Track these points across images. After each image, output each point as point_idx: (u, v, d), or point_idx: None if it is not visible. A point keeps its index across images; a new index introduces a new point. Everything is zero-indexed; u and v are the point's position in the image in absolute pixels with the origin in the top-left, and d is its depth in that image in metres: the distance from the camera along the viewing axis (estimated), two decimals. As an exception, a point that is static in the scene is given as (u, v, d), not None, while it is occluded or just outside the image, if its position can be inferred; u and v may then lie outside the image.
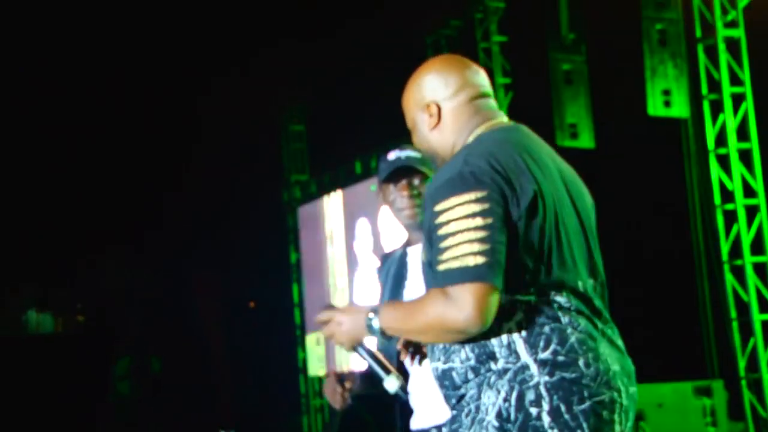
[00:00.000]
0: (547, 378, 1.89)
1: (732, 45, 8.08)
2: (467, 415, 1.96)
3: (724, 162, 8.03)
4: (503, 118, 2.11)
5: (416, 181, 2.83)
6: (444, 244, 1.89)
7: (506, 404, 1.89)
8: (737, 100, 8.04)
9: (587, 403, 1.88)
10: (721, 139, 8.04)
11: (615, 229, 10.96)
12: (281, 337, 13.22)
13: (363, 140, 12.38)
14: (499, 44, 10.35)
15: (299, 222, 13.15)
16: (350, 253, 12.39)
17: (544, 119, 8.68)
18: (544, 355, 1.91)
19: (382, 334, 2.03)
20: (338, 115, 12.96)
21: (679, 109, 7.95)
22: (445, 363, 2.01)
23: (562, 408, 1.87)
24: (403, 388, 2.14)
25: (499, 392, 1.91)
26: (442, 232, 1.90)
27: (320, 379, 12.85)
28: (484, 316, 1.86)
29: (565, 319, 1.94)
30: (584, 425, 1.87)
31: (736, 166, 7.96)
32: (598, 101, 8.87)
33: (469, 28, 10.76)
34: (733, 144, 7.95)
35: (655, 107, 7.90)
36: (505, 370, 1.92)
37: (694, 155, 8.46)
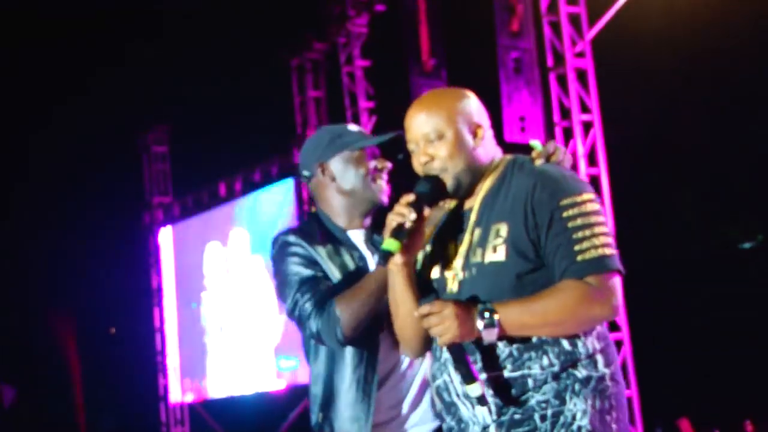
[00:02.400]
0: (615, 390, 2.06)
1: (581, 74, 8.43)
2: (543, 420, 1.99)
3: (575, 186, 8.32)
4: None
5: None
6: (578, 235, 2.00)
7: (594, 410, 2.00)
8: (586, 127, 8.39)
9: (626, 411, 2.11)
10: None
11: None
12: (142, 363, 12.85)
13: (227, 162, 12.25)
14: (362, 68, 10.48)
15: (173, 243, 12.87)
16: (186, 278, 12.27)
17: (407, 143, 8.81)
18: (612, 369, 2.06)
19: (500, 330, 1.97)
20: (202, 136, 12.79)
21: (534, 134, 8.22)
22: (515, 371, 2.01)
23: (621, 417, 2.06)
24: (483, 397, 2.02)
25: (587, 400, 2.00)
26: (573, 224, 2.00)
27: (182, 407, 12.57)
28: (620, 304, 2.02)
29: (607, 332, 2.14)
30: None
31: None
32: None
33: (333, 51, 10.84)
34: (583, 170, 8.29)
35: (511, 132, 8.13)
36: (588, 379, 2.02)
37: (548, 180, 8.74)
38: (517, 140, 8.24)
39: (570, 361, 2.00)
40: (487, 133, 2.22)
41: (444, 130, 2.16)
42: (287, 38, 11.18)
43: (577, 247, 1.97)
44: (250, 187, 12.01)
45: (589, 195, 2.05)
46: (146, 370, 12.85)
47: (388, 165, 2.70)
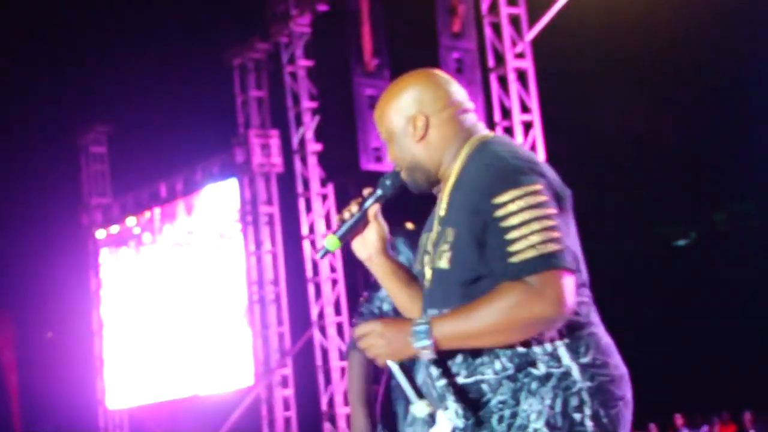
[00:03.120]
0: (589, 383, 1.90)
1: (521, 75, 8.56)
2: (500, 421, 1.91)
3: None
4: (486, 131, 2.07)
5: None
6: (512, 235, 1.84)
7: (552, 411, 1.88)
8: (527, 126, 8.52)
9: (618, 406, 1.92)
10: (513, 164, 8.46)
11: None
12: (80, 368, 12.64)
13: (168, 162, 12.12)
14: (305, 68, 10.48)
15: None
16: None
17: (349, 142, 8.83)
18: (585, 360, 1.91)
19: (435, 346, 1.88)
20: (143, 136, 12.63)
21: (476, 134, 8.32)
22: (469, 377, 1.94)
23: (601, 412, 1.89)
24: (432, 415, 1.99)
25: (543, 399, 1.88)
26: (507, 223, 1.85)
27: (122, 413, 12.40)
28: (570, 302, 1.84)
29: (594, 323, 1.95)
30: (618, 427, 1.91)
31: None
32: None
33: (276, 51, 10.82)
34: (525, 168, 8.41)
35: (453, 132, 8.21)
36: (548, 376, 1.90)
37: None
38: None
39: (525, 363, 1.89)
40: (435, 119, 2.03)
41: (387, 130, 2.09)
42: (229, 37, 11.12)
43: (511, 248, 1.83)
44: (192, 186, 11.92)
45: (529, 187, 1.85)
46: (84, 375, 12.64)
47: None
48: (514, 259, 1.82)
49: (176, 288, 12.14)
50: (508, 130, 8.54)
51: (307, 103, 10.42)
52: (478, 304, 1.85)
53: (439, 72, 2.11)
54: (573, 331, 1.90)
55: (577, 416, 1.87)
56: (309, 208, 10.45)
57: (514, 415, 1.89)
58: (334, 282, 10.40)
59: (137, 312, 12.52)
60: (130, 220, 12.53)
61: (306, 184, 10.48)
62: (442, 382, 1.96)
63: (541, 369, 1.89)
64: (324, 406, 10.21)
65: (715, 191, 12.60)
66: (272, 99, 11.08)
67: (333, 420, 10.16)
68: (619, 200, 12.21)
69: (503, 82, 8.57)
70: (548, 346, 1.90)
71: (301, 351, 10.66)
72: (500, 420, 1.90)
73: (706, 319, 11.38)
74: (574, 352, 1.90)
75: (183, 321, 12.02)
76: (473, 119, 2.06)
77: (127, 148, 12.72)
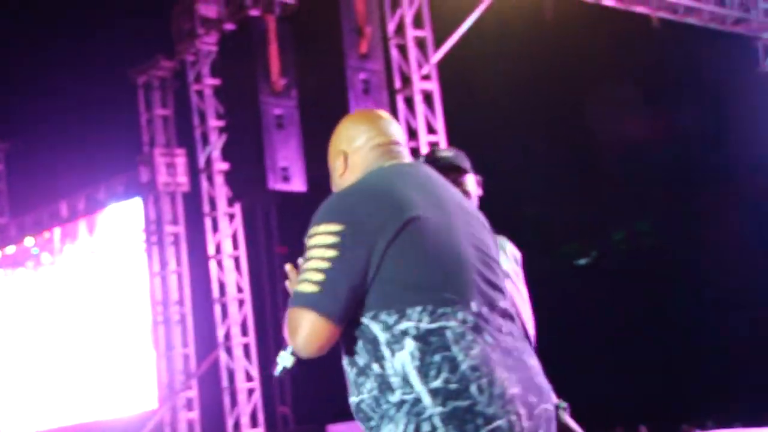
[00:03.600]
0: (440, 408, 1.88)
1: (427, 96, 8.69)
2: None
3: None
4: (400, 161, 2.16)
5: (449, 178, 2.83)
6: (302, 266, 1.99)
7: None
8: (432, 148, 8.64)
9: (483, 431, 1.88)
10: (420, 184, 8.58)
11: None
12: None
13: (70, 180, 11.84)
14: (211, 87, 10.40)
15: None
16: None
17: (256, 162, 8.79)
18: (436, 384, 1.90)
19: None
20: (43, 154, 12.31)
21: (383, 154, 8.39)
22: (357, 396, 2.01)
23: None
24: (287, 370, 2.07)
25: (398, 425, 1.91)
26: (306, 254, 1.99)
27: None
28: (311, 344, 1.93)
29: (456, 347, 1.92)
30: None
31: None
32: (310, 145, 9.11)
33: (182, 69, 10.71)
34: (431, 188, 8.53)
35: (361, 153, 8.25)
36: (402, 402, 1.92)
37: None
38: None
39: (384, 384, 1.94)
40: (352, 156, 2.17)
41: (330, 166, 2.24)
42: (134, 55, 10.97)
43: (298, 276, 2.01)
44: (95, 205, 11.67)
45: (327, 226, 1.97)
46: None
47: None
48: (293, 287, 2.01)
49: (77, 309, 11.83)
50: (415, 152, 8.65)
51: (213, 122, 10.34)
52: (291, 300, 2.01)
53: (372, 111, 2.27)
54: (424, 355, 1.91)
55: None
56: (216, 228, 10.35)
57: None
58: (241, 302, 10.31)
59: (34, 334, 12.15)
60: (29, 240, 12.17)
61: (213, 203, 10.37)
62: (350, 402, 2.04)
63: (396, 395, 1.92)
64: (230, 429, 10.08)
65: (615, 210, 13.00)
66: (178, 117, 10.96)
67: (239, 442, 10.04)
68: (521, 220, 12.48)
69: (410, 103, 8.69)
70: (399, 368, 1.93)
71: (206, 373, 10.51)
72: None
73: (609, 335, 11.71)
74: (425, 376, 1.91)
75: (84, 343, 11.72)
76: (396, 151, 2.16)
77: (25, 166, 12.38)
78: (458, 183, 2.78)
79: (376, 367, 1.95)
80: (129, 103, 11.08)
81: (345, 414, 1.96)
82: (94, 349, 11.63)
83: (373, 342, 1.97)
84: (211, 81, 10.37)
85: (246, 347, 10.25)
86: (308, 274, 1.95)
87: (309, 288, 1.93)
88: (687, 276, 11.98)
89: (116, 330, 11.46)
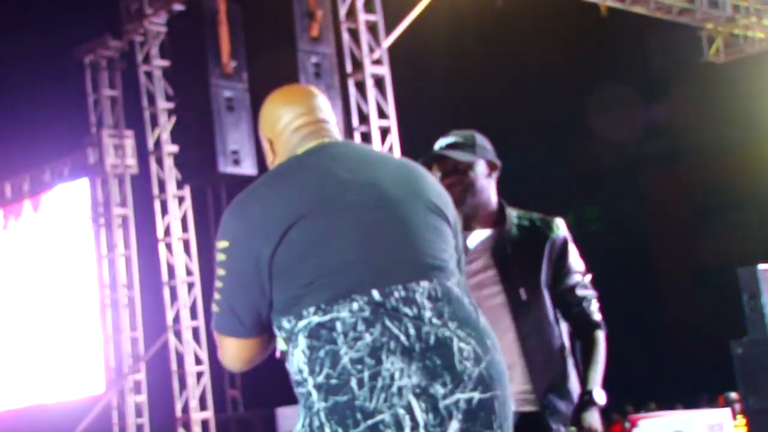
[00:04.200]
0: (323, 404, 1.86)
1: (378, 81, 8.72)
2: None
3: (373, 189, 8.59)
4: (320, 141, 2.05)
5: (449, 168, 2.68)
6: None
7: (303, 430, 1.89)
8: (384, 132, 8.68)
9: (362, 426, 1.81)
10: (371, 168, 8.61)
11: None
12: None
13: (14, 161, 11.65)
14: (160, 68, 10.30)
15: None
16: None
17: (206, 145, 8.74)
18: (319, 379, 1.87)
19: None
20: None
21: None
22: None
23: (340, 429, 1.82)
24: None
25: (300, 419, 1.92)
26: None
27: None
28: (233, 362, 2.00)
29: (340, 339, 1.85)
30: None
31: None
32: (260, 129, 9.06)
33: (130, 50, 10.58)
34: (381, 172, 8.56)
35: (311, 136, 8.24)
36: (301, 396, 1.93)
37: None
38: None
39: (294, 381, 1.95)
40: (277, 142, 2.09)
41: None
42: (81, 34, 10.80)
43: None
44: (40, 186, 11.50)
45: (219, 243, 1.95)
46: None
47: (437, 174, 2.66)
48: None
49: (23, 292, 11.66)
50: (366, 136, 8.68)
51: (162, 104, 10.25)
52: None
53: (288, 90, 2.15)
54: (312, 350, 1.88)
55: None
56: (165, 211, 10.28)
57: None
58: (191, 285, 10.27)
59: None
60: (-28, 222, 11.96)
61: (162, 186, 10.30)
62: None
63: (299, 389, 1.93)
64: (178, 412, 10.06)
65: (561, 196, 13.20)
66: (126, 99, 10.84)
67: (187, 426, 10.02)
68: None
69: (361, 87, 8.71)
70: (296, 365, 1.92)
71: (155, 356, 10.46)
72: None
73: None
74: (312, 372, 1.88)
75: (30, 326, 11.57)
76: (308, 134, 2.06)
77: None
78: (447, 174, 2.65)
79: (288, 364, 1.97)
80: (76, 83, 10.92)
81: (294, 397, 1.97)
82: (41, 333, 11.48)
83: (288, 343, 1.98)
84: (160, 62, 10.27)
85: (195, 330, 10.22)
86: (214, 295, 1.99)
87: (215, 309, 1.98)
88: (632, 259, 12.22)
89: (63, 313, 11.33)
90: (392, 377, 1.82)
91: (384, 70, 8.75)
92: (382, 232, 1.93)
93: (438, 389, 1.83)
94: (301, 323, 1.90)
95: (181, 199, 10.31)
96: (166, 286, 10.21)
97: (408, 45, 9.17)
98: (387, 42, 8.83)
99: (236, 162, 8.76)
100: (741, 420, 7.47)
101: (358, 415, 1.82)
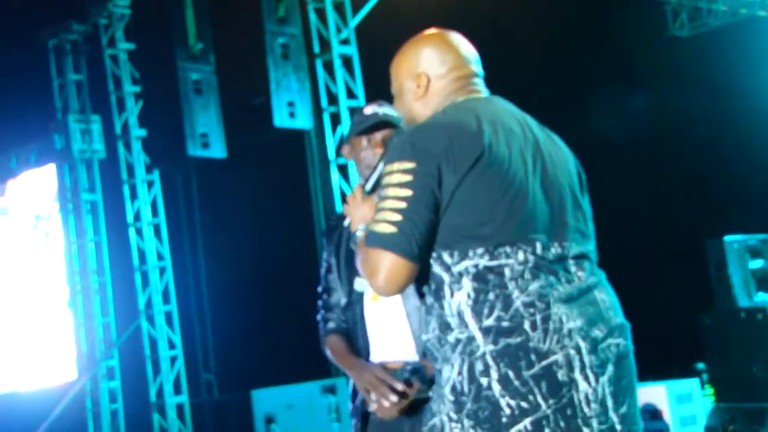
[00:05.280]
0: (491, 347, 1.86)
1: (346, 61, 8.69)
2: (431, 386, 2.01)
3: (344, 171, 8.62)
4: (482, 94, 2.13)
5: (378, 139, 2.69)
6: (378, 206, 1.96)
7: (459, 377, 1.88)
8: (353, 112, 8.67)
9: (536, 367, 1.84)
10: (340, 149, 8.62)
11: (244, 233, 11.26)
12: None
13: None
14: (126, 51, 10.19)
15: None
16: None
17: (175, 128, 8.68)
18: (488, 322, 1.88)
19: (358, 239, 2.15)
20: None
21: (303, 120, 8.37)
22: (425, 334, 2.02)
23: (511, 375, 1.84)
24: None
25: (453, 366, 1.90)
26: (381, 194, 1.97)
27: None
28: (391, 284, 1.92)
29: (512, 284, 1.90)
30: (535, 390, 1.84)
31: (355, 175, 8.58)
32: (228, 111, 9.03)
33: (95, 33, 10.45)
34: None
35: (281, 118, 8.23)
36: (457, 342, 1.91)
37: (317, 164, 8.97)
38: (287, 126, 8.38)
39: (444, 324, 1.94)
40: (436, 81, 2.11)
41: (398, 84, 2.18)
42: (44, 18, 10.65)
43: (375, 216, 1.98)
44: (6, 173, 11.37)
45: (401, 164, 1.93)
46: None
47: (379, 152, 2.64)
48: (368, 227, 1.98)
49: (10, 274, 11.55)
50: (335, 116, 8.67)
51: (129, 88, 10.15)
52: (365, 241, 2.00)
53: (453, 35, 2.18)
54: (478, 294, 1.91)
55: (483, 381, 1.86)
56: (134, 195, 10.21)
57: (438, 382, 1.97)
58: (162, 270, 10.23)
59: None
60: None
61: (130, 170, 10.23)
62: (422, 339, 2.13)
63: (453, 335, 1.92)
64: (152, 397, 10.05)
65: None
66: (92, 83, 10.72)
67: (162, 411, 10.02)
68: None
69: (329, 67, 8.69)
70: (455, 308, 1.93)
71: (128, 341, 10.42)
72: (430, 383, 2.06)
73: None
74: (478, 315, 1.90)
75: (0, 313, 11.47)
76: (469, 84, 2.13)
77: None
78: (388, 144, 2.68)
79: (437, 306, 1.96)
80: (40, 68, 10.78)
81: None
82: (12, 321, 11.40)
83: (438, 282, 1.97)
84: (125, 45, 10.16)
85: (168, 315, 10.19)
86: (385, 214, 1.92)
87: (387, 229, 1.91)
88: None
89: (34, 301, 11.25)
90: (561, 320, 1.88)
91: (352, 50, 8.73)
92: (551, 188, 2.02)
93: (597, 333, 1.92)
94: (467, 263, 1.93)
95: (150, 184, 10.25)
96: (138, 271, 10.16)
97: (375, 24, 9.14)
98: (354, 21, 8.80)
99: (205, 145, 8.70)
100: (709, 389, 7.61)
101: (533, 357, 1.85)
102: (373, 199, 2.18)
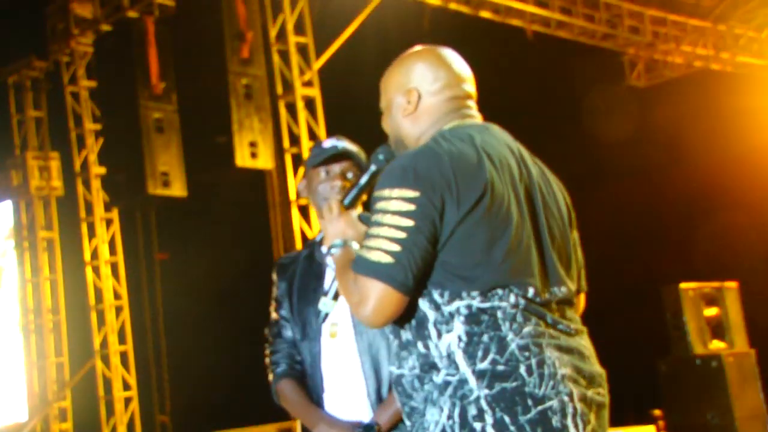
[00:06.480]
0: (486, 391, 1.80)
1: (309, 103, 8.75)
2: (413, 427, 1.91)
3: (305, 212, 8.62)
4: (477, 120, 2.05)
5: (350, 174, 2.66)
6: (371, 231, 1.86)
7: (450, 422, 1.81)
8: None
9: (533, 412, 1.79)
10: (302, 190, 8.62)
11: (203, 273, 11.17)
12: None
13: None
14: (87, 89, 10.16)
15: None
16: None
17: (136, 167, 8.64)
18: (483, 365, 1.81)
19: (332, 257, 2.04)
20: None
21: (265, 160, 8.38)
22: (398, 368, 1.94)
23: (507, 420, 1.78)
24: (327, 315, 2.16)
25: (442, 410, 1.83)
26: (374, 219, 1.87)
27: None
28: (380, 315, 1.83)
29: (506, 326, 1.83)
30: None
31: (315, 217, 8.58)
32: (190, 150, 9.01)
33: (56, 70, 10.41)
34: (313, 194, 8.57)
35: (242, 158, 8.22)
36: (446, 384, 1.83)
37: (278, 205, 8.96)
38: (248, 166, 8.37)
39: (427, 364, 1.87)
40: (427, 98, 2.02)
41: (387, 99, 2.10)
42: (5, 55, 10.58)
43: (365, 242, 1.88)
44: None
45: (402, 191, 1.84)
46: None
47: (337, 184, 2.64)
48: (358, 253, 1.88)
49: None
50: (297, 157, 8.69)
51: (89, 125, 10.10)
52: (348, 269, 1.91)
53: (448, 52, 2.09)
54: (471, 336, 1.84)
55: (477, 425, 1.79)
56: (92, 233, 10.11)
57: (421, 425, 1.89)
58: (119, 309, 10.10)
59: None
60: None
61: (89, 208, 10.13)
62: (390, 370, 2.05)
63: (441, 376, 1.85)
64: (106, 439, 9.86)
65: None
66: (52, 120, 10.65)
67: (115, 452, 9.83)
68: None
69: (292, 109, 8.73)
70: (444, 349, 1.85)
71: (81, 382, 10.24)
72: (413, 426, 1.92)
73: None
74: (471, 357, 1.83)
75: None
76: (469, 106, 2.05)
77: None
78: (347, 178, 2.68)
79: (420, 345, 1.88)
80: (0, 104, 10.70)
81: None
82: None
83: (421, 319, 1.89)
84: (86, 83, 10.13)
85: (123, 355, 10.04)
86: (380, 242, 1.82)
87: (383, 258, 1.82)
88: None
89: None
90: (554, 365, 1.83)
91: (315, 92, 8.79)
92: (545, 228, 1.96)
93: (582, 381, 1.88)
94: (458, 304, 1.85)
95: (109, 222, 10.15)
96: (93, 310, 10.02)
97: (339, 67, 9.23)
98: (317, 64, 8.87)
99: (166, 184, 8.67)
100: (665, 436, 7.65)
101: (529, 402, 1.80)
102: (350, 214, 2.09)
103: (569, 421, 1.81)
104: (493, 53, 10.99)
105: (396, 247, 1.82)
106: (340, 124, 9.68)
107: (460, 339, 1.85)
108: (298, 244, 8.55)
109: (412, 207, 1.83)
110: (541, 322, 1.89)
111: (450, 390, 1.84)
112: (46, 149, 10.65)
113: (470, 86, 2.09)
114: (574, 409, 1.83)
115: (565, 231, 2.03)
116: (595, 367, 1.95)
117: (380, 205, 1.87)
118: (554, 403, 1.81)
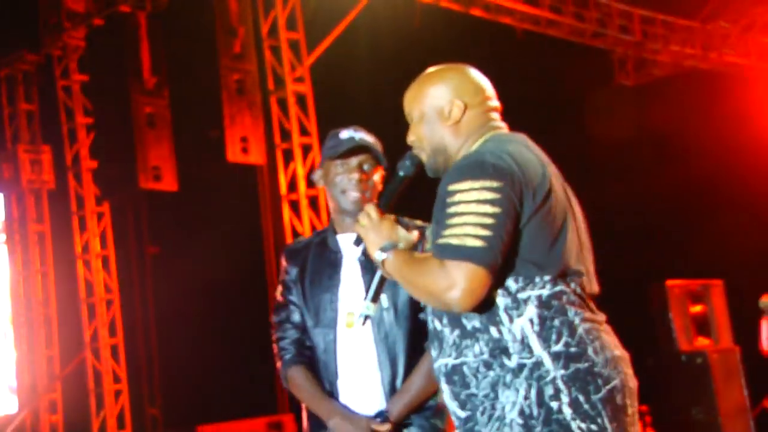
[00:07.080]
0: (562, 371, 1.94)
1: (300, 98, 8.79)
2: (483, 413, 1.99)
3: (295, 207, 8.67)
4: (499, 131, 2.20)
5: (366, 166, 2.70)
6: (451, 221, 1.95)
7: (527, 401, 1.93)
8: (306, 149, 8.76)
9: (603, 391, 1.95)
10: (292, 185, 8.69)
11: (194, 267, 11.21)
12: None
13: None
14: (79, 83, 10.17)
15: None
16: None
17: (127, 161, 8.67)
18: (557, 348, 1.95)
19: (383, 264, 2.07)
20: None
21: (256, 155, 8.42)
22: (456, 358, 2.03)
23: (581, 398, 1.93)
24: (368, 317, 2.18)
25: (518, 391, 1.94)
26: (451, 210, 1.96)
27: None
28: (472, 297, 1.92)
29: (572, 311, 1.99)
30: (603, 412, 1.93)
31: (306, 212, 8.64)
32: (181, 145, 9.06)
33: (48, 64, 10.42)
34: (303, 190, 8.64)
35: (234, 153, 8.27)
36: (521, 367, 1.95)
37: (269, 199, 9.01)
38: (240, 161, 8.42)
39: (498, 348, 1.98)
40: (471, 109, 2.16)
41: (420, 110, 2.21)
42: (-4, 48, 10.59)
43: (445, 231, 1.96)
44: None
45: (485, 182, 1.95)
46: None
47: (354, 177, 2.68)
48: (442, 241, 1.96)
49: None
50: (288, 153, 8.74)
51: (81, 119, 10.12)
52: (421, 261, 2.00)
53: (476, 71, 2.28)
54: (544, 321, 1.98)
55: (554, 404, 1.93)
56: (83, 227, 10.13)
57: (493, 407, 1.99)
58: (110, 303, 10.14)
59: None
60: None
61: (80, 202, 10.16)
62: (437, 363, 2.10)
63: (513, 360, 1.97)
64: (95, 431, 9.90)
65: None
66: (44, 113, 10.67)
67: (105, 445, 9.87)
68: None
69: (283, 104, 8.77)
70: (518, 333, 1.98)
71: (71, 375, 10.27)
72: (483, 412, 2.01)
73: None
74: (546, 340, 1.97)
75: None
76: (497, 118, 2.23)
77: None
78: (364, 170, 2.70)
79: (493, 330, 1.99)
80: (-8, 98, 10.69)
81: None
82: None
83: (491, 306, 2.00)
84: (78, 77, 10.14)
85: (114, 348, 10.08)
86: (468, 229, 1.92)
87: (473, 242, 1.91)
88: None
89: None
90: (611, 347, 2.02)
91: (306, 88, 8.83)
92: (577, 227, 2.13)
93: (627, 364, 2.07)
94: (531, 291, 1.99)
95: (100, 215, 10.18)
96: (84, 303, 10.05)
97: (330, 63, 9.27)
98: (309, 60, 8.92)
99: (157, 178, 8.70)
100: None
101: (599, 381, 1.96)
102: (390, 218, 2.17)
103: (627, 399, 1.99)
104: (482, 52, 11.06)
105: (486, 232, 1.93)
106: (330, 120, 9.72)
107: (532, 323, 1.98)
108: (288, 238, 8.60)
109: (497, 196, 1.96)
110: (592, 306, 2.08)
111: (525, 372, 1.96)
112: (38, 143, 10.66)
113: (497, 100, 2.26)
114: (629, 388, 2.02)
115: (586, 234, 2.20)
116: (625, 353, 2.11)
117: (458, 197, 1.98)
118: (617, 382, 1.99)
